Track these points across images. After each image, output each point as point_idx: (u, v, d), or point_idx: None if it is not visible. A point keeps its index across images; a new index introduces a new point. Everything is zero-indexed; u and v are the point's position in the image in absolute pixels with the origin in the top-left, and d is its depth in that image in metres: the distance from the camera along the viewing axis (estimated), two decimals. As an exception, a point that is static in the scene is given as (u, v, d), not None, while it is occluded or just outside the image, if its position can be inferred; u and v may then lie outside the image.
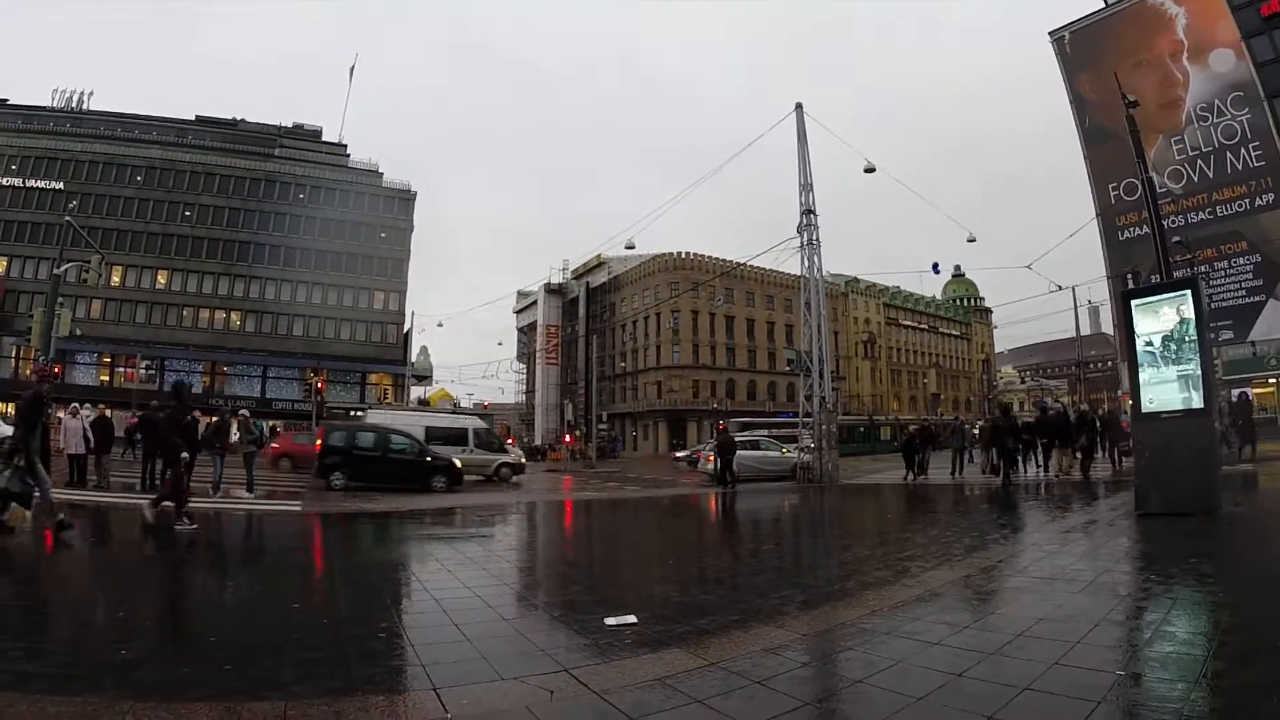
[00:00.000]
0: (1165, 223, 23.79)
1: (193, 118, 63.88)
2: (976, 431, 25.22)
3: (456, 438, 23.74)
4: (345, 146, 67.01)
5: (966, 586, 6.03)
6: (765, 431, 32.34)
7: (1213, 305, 33.09)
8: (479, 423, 26.48)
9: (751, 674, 3.75)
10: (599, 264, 73.82)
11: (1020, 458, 18.22)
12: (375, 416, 25.51)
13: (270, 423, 46.15)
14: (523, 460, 27.29)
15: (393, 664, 4.16)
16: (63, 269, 19.66)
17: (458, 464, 19.46)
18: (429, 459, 19.22)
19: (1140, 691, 3.34)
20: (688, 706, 3.33)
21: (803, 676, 3.79)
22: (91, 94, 61.47)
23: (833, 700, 3.53)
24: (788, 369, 40.33)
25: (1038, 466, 18.93)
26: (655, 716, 3.22)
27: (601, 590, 6.67)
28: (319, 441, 18.86)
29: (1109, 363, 71.93)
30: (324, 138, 67.49)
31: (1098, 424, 18.86)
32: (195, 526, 9.55)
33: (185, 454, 9.81)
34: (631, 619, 4.92)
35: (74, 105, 60.68)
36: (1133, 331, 10.05)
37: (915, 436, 21.03)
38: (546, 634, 4.82)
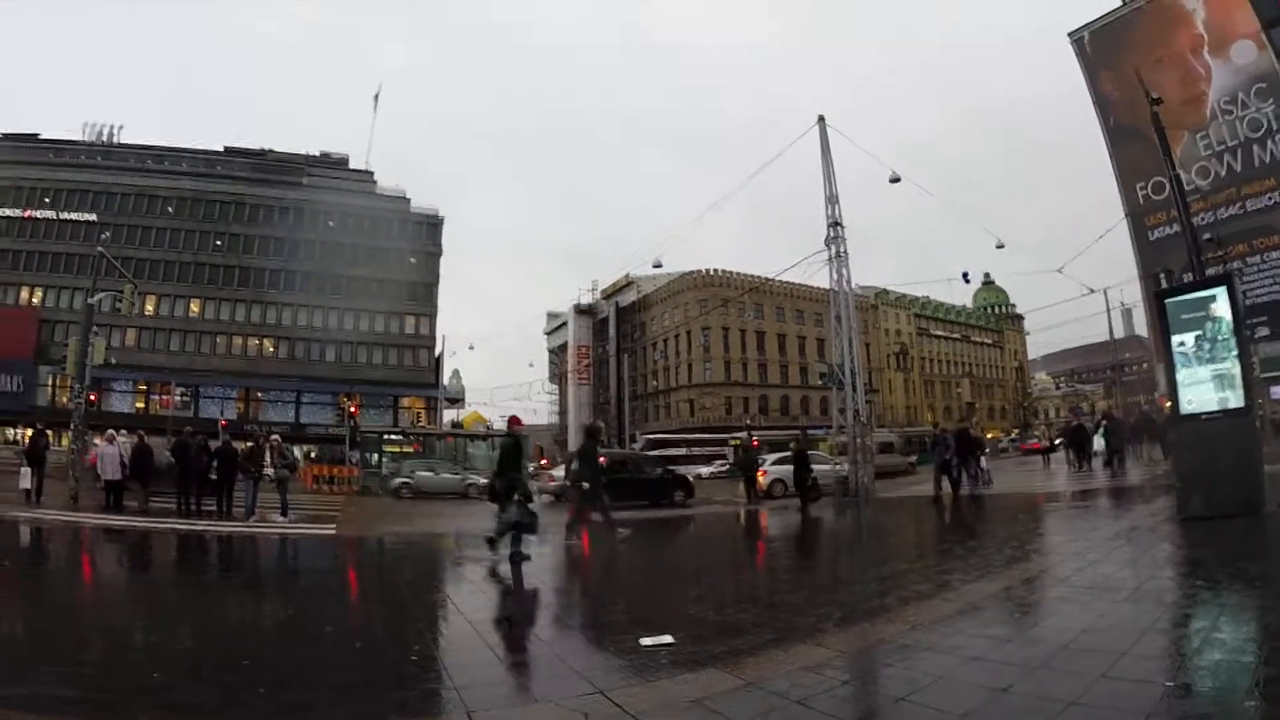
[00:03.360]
0: (1195, 220, 23.32)
1: (221, 149, 64.83)
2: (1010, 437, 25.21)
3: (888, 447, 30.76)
4: (372, 174, 67.47)
5: (1008, 599, 5.92)
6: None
7: (1247, 302, 32.39)
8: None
9: (790, 694, 3.70)
10: (628, 283, 73.89)
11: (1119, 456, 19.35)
12: None
13: (304, 447, 46.66)
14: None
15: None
16: (96, 299, 20.04)
17: (690, 480, 22.13)
18: (670, 476, 21.33)
19: (1190, 703, 3.25)
20: (726, 728, 3.29)
21: (843, 695, 3.74)
22: (122, 128, 62.43)
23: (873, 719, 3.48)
24: (820, 383, 40.09)
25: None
26: (693, 738, 3.18)
27: (638, 610, 6.63)
28: None
29: (1144, 365, 70.62)
30: (351, 165, 68.21)
31: None
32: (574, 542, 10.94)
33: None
34: (668, 639, 4.88)
35: (104, 138, 61.64)
36: (1168, 332, 9.88)
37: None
38: (583, 655, 4.80)
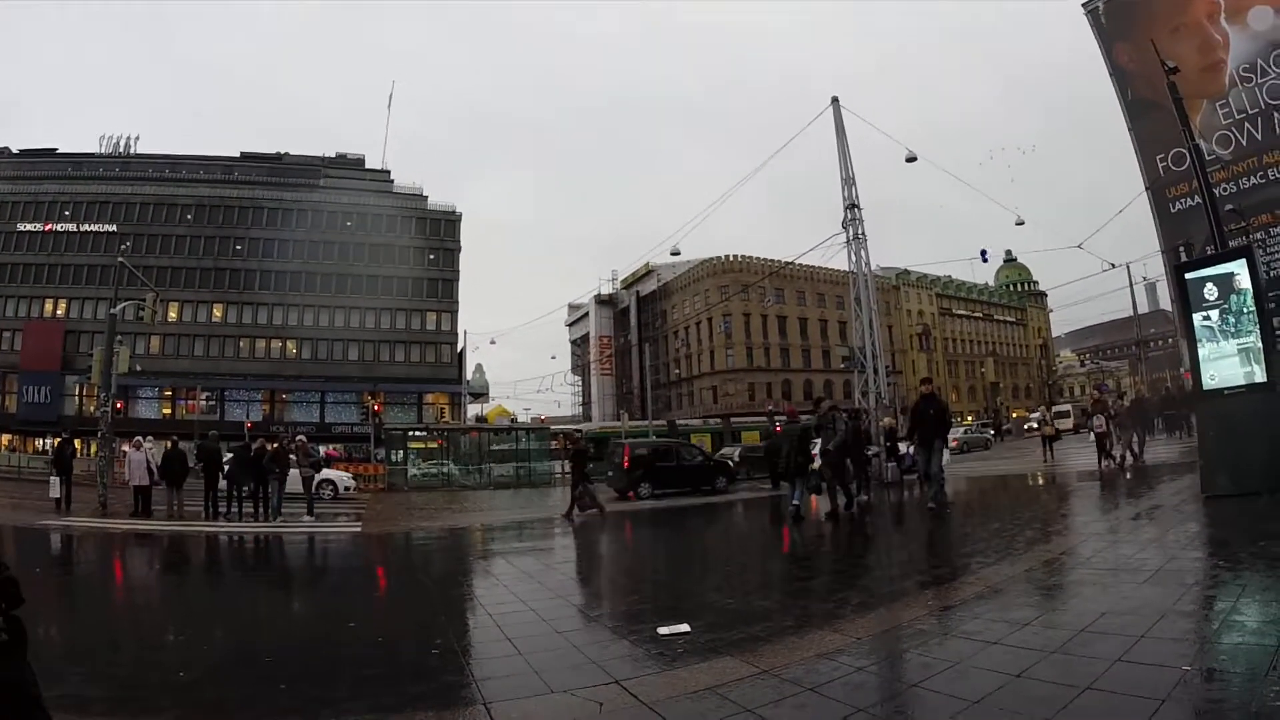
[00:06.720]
0: (1217, 190, 22.81)
1: (238, 154, 65.42)
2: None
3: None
4: (389, 173, 67.86)
5: (1028, 581, 5.89)
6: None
7: (1270, 273, 31.88)
8: None
9: (804, 681, 3.72)
10: (647, 272, 74.00)
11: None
12: None
13: (329, 446, 47.12)
14: None
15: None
16: (119, 308, 20.26)
17: (730, 465, 22.62)
18: (712, 463, 21.92)
19: (1208, 687, 3.22)
20: (737, 716, 3.31)
21: (857, 682, 3.74)
22: (138, 138, 63.08)
23: (886, 705, 3.48)
24: (843, 366, 39.73)
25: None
26: (705, 728, 3.20)
27: (655, 598, 6.68)
28: (625, 458, 20.46)
29: (1169, 340, 69.57)
30: (367, 165, 68.50)
31: None
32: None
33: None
34: (684, 628, 4.91)
35: (121, 150, 62.26)
36: (1189, 306, 9.73)
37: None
38: (601, 645, 4.83)
